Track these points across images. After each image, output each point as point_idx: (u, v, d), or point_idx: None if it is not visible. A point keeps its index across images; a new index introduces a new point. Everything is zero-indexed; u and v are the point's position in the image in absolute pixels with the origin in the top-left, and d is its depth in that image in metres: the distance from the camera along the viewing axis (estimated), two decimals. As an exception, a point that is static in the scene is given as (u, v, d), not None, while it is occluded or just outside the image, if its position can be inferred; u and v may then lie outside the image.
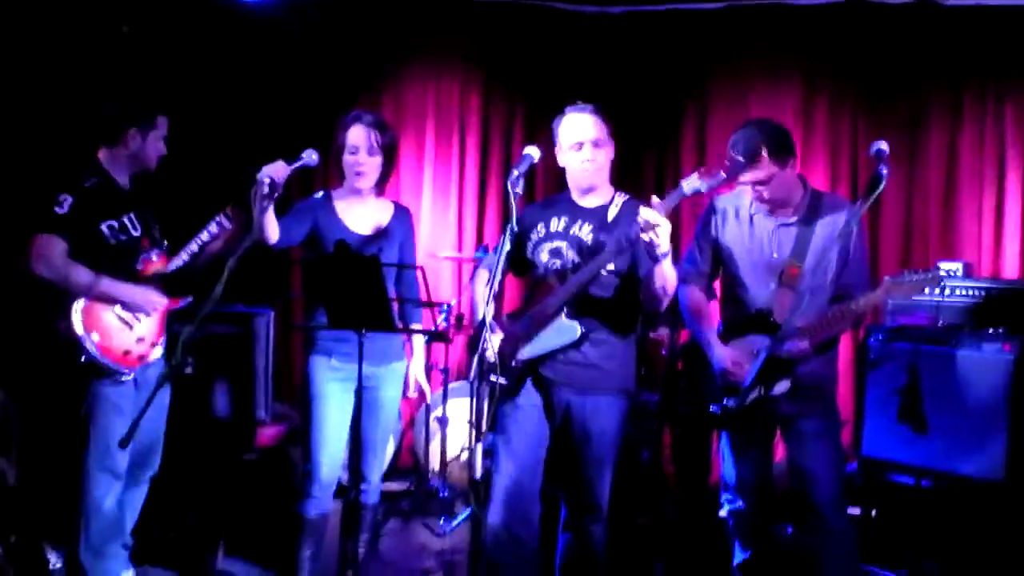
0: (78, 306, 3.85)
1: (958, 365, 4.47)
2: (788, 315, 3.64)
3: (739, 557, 4.05)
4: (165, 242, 4.16)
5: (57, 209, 3.79)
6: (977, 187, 5.98)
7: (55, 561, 4.11)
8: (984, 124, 5.98)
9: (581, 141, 3.75)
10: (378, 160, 4.11)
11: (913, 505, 4.60)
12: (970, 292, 4.87)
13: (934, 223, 6.04)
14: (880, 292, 3.61)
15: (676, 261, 3.87)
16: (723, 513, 4.07)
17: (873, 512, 4.78)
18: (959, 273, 5.00)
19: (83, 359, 3.85)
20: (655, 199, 3.40)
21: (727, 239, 3.92)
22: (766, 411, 3.67)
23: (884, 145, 3.40)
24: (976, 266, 5.73)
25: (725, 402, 3.74)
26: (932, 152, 6.08)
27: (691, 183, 3.41)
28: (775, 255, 3.80)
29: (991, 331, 4.55)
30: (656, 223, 3.29)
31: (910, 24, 6.05)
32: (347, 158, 4.10)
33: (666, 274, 3.49)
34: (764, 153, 3.62)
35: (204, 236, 4.11)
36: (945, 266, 5.04)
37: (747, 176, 3.68)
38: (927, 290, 3.63)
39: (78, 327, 3.84)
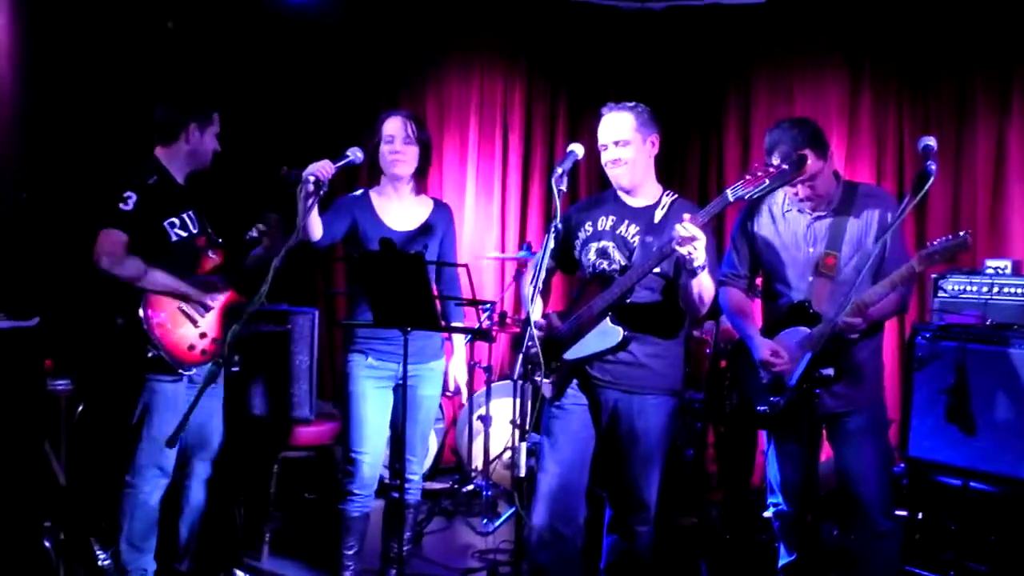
0: (144, 300, 3.91)
1: (1007, 364, 4.39)
2: (827, 304, 3.62)
3: (784, 559, 4.02)
4: (220, 239, 4.23)
5: (122, 206, 3.86)
6: (1027, 181, 5.87)
7: (104, 558, 4.15)
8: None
9: (606, 143, 3.75)
10: (414, 150, 4.14)
11: (960, 507, 4.54)
12: (1019, 290, 4.79)
13: (981, 219, 5.93)
14: (913, 263, 3.51)
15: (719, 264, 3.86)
16: (768, 514, 4.05)
17: (919, 515, 4.71)
18: (1007, 271, 4.91)
19: (149, 354, 3.91)
20: (699, 213, 3.37)
21: (763, 237, 3.89)
22: (811, 409, 3.63)
23: (932, 141, 3.33)
24: (1025, 264, 5.63)
25: (772, 399, 3.71)
26: (980, 144, 5.96)
27: (735, 191, 3.37)
28: (811, 250, 3.77)
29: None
30: (692, 236, 3.27)
31: (956, 10, 5.96)
32: (383, 148, 4.14)
33: (703, 284, 3.48)
34: (809, 155, 3.58)
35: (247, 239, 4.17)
36: (993, 263, 4.98)
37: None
38: (958, 254, 3.51)
39: (144, 321, 3.90)
